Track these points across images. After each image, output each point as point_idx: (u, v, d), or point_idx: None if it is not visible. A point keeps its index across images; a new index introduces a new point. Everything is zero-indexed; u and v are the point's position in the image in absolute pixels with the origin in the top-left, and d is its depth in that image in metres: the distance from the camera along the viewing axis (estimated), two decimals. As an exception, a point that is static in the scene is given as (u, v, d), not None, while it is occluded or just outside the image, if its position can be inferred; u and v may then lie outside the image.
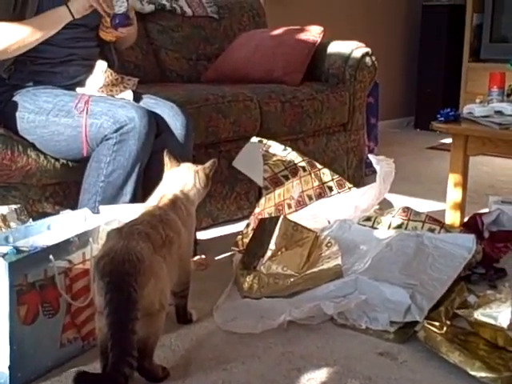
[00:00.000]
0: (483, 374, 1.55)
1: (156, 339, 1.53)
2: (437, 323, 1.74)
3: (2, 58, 2.07)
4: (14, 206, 1.96)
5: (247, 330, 1.82)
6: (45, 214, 2.01)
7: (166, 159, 1.84)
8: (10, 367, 1.49)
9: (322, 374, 1.62)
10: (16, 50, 2.04)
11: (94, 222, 1.78)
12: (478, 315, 1.73)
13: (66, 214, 1.86)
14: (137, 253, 1.44)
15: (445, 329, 1.72)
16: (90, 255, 1.66)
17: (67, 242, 1.62)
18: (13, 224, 1.88)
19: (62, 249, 1.60)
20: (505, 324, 1.68)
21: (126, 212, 1.80)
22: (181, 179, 1.81)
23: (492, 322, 1.70)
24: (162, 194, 1.76)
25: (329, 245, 2.17)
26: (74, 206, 2.09)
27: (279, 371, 1.63)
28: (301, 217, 2.45)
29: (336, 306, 1.85)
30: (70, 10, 2.06)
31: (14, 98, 2.15)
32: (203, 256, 2.32)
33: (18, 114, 2.13)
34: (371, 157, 2.49)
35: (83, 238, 1.66)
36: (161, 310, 1.51)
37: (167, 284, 1.56)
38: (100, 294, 1.42)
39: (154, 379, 1.54)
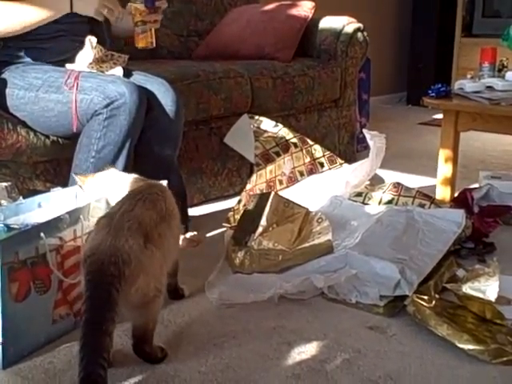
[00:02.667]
0: (471, 347, 1.57)
1: (155, 324, 1.52)
2: (426, 297, 1.75)
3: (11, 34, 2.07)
4: (4, 184, 1.95)
5: (238, 300, 1.84)
6: (35, 192, 2.00)
7: None
8: (2, 343, 1.50)
9: (312, 347, 1.64)
10: (14, 31, 2.03)
11: (85, 199, 1.78)
12: (467, 289, 1.75)
13: (57, 192, 1.86)
14: (124, 254, 1.38)
15: (434, 302, 1.73)
16: (80, 232, 1.67)
17: (58, 219, 1.61)
18: (3, 202, 1.88)
19: (52, 226, 1.60)
20: (492, 297, 1.70)
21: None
22: None
23: (480, 295, 1.72)
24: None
25: (319, 220, 2.19)
26: (65, 183, 2.08)
27: (270, 345, 1.65)
28: (292, 193, 2.46)
29: (326, 280, 1.87)
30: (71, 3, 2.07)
31: (3, 75, 2.14)
32: (195, 232, 2.33)
33: (7, 90, 2.11)
34: (365, 132, 2.50)
35: (74, 216, 1.65)
36: (157, 295, 1.47)
37: (162, 268, 1.50)
38: (84, 289, 1.39)
39: (154, 361, 1.54)
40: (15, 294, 1.51)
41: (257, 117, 2.79)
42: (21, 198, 1.91)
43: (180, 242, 2.25)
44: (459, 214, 2.18)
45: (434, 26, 5.19)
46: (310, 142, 2.72)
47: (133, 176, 1.75)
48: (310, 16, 3.33)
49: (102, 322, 1.32)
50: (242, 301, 1.84)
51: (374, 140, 2.44)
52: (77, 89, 2.02)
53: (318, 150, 2.71)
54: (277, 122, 2.78)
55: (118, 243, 1.39)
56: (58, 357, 1.58)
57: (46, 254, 1.57)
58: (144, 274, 1.41)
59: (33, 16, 2.06)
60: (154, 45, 2.22)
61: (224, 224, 2.38)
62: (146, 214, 1.48)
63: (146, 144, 2.12)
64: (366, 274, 1.89)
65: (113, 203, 1.61)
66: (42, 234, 1.56)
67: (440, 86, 2.63)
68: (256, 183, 2.47)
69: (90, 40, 2.15)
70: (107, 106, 1.98)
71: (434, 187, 2.72)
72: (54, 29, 2.16)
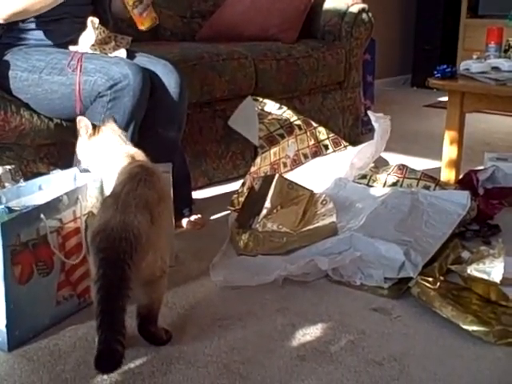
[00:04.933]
0: (475, 328, 1.57)
1: (160, 304, 1.53)
2: (430, 279, 1.76)
3: (22, 17, 2.05)
4: (8, 167, 1.95)
5: (242, 283, 1.84)
6: (39, 175, 1.99)
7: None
8: (7, 326, 1.51)
9: (317, 329, 1.64)
10: (36, 10, 2.01)
11: (83, 180, 1.77)
12: (472, 270, 1.75)
13: (56, 174, 1.86)
14: (134, 229, 1.39)
15: (438, 284, 1.74)
16: (80, 213, 1.67)
17: (57, 200, 1.61)
18: (7, 184, 1.88)
19: (52, 207, 1.60)
20: (497, 279, 1.70)
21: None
22: None
23: (485, 277, 1.72)
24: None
25: (324, 202, 2.18)
26: (68, 166, 2.07)
27: (275, 327, 1.65)
28: (296, 175, 2.46)
29: (331, 262, 1.87)
30: None
31: (6, 57, 2.13)
32: (199, 215, 2.33)
33: (10, 73, 2.10)
34: (370, 114, 2.49)
35: (72, 196, 1.65)
36: (162, 275, 1.49)
37: (166, 248, 1.53)
38: (94, 267, 1.39)
39: (158, 342, 1.55)
40: (18, 276, 1.51)
41: (261, 99, 2.77)
42: (21, 180, 1.91)
43: (184, 225, 2.27)
44: (464, 196, 2.18)
45: (439, 6, 5.14)
46: (315, 124, 2.71)
47: (123, 147, 1.72)
48: (315, -4, 3.31)
49: (118, 298, 1.33)
50: (247, 283, 1.84)
51: (379, 122, 2.43)
52: (80, 71, 2.01)
53: (322, 133, 2.70)
54: (281, 104, 2.77)
55: (127, 219, 1.40)
56: (63, 339, 1.58)
57: (46, 236, 1.57)
58: (152, 250, 1.43)
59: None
60: (158, 21, 2.18)
61: (228, 207, 2.38)
62: (149, 194, 1.49)
63: (150, 126, 2.11)
64: (371, 256, 1.89)
65: (106, 179, 1.65)
66: (41, 216, 1.55)
67: (445, 66, 2.60)
68: (260, 166, 2.46)
69: (92, 21, 2.13)
70: (111, 87, 1.97)
71: (438, 169, 2.71)
72: (57, 11, 2.14)
